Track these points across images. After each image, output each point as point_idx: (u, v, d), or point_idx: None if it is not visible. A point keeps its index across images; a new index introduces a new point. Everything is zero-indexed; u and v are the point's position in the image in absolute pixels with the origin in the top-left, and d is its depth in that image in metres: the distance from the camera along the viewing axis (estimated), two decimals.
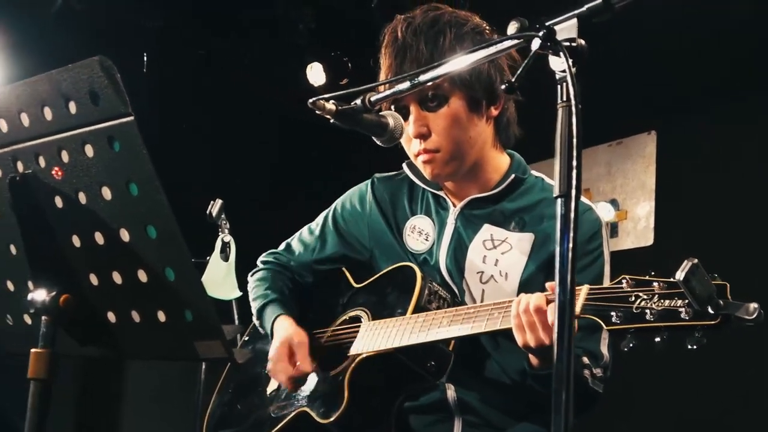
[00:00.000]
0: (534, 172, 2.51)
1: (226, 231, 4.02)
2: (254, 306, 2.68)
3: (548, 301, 1.98)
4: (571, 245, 1.44)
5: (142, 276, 1.65)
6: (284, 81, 6.05)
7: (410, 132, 2.33)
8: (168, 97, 5.85)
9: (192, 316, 1.62)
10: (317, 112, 1.99)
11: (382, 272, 2.51)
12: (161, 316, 1.67)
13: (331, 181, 6.65)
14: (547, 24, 1.52)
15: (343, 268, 2.66)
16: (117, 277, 1.69)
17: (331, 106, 1.99)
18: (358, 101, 2.02)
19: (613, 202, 5.27)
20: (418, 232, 2.50)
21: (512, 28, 1.57)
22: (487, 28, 2.42)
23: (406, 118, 2.32)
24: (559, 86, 1.49)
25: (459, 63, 1.79)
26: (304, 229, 2.76)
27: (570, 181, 1.44)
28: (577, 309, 1.91)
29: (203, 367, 4.23)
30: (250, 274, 2.80)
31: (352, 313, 2.51)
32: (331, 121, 2.01)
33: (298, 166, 6.69)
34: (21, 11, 5.67)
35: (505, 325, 2.05)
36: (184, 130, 6.05)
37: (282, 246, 2.80)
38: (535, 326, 1.98)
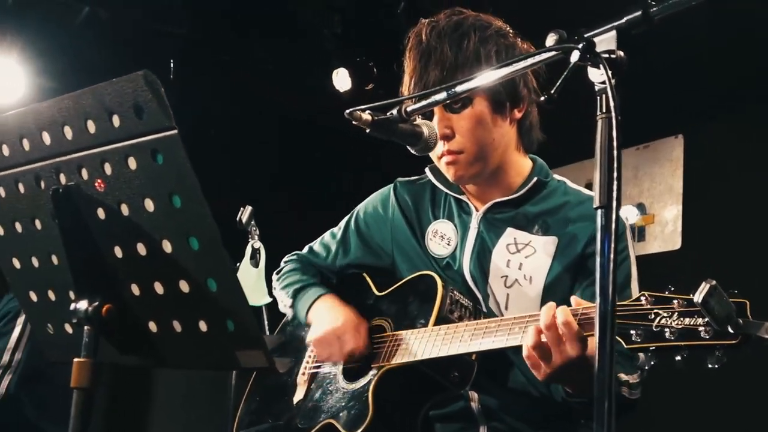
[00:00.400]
0: (556, 176, 2.52)
1: (256, 237, 4.04)
2: (286, 293, 2.68)
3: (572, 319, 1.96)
4: (612, 256, 1.43)
5: (184, 286, 1.66)
6: (310, 87, 6.08)
7: None
8: (194, 104, 5.89)
9: (234, 326, 1.64)
10: (353, 122, 2.00)
11: (403, 281, 2.52)
12: (203, 326, 1.68)
13: (353, 185, 6.70)
14: (586, 36, 1.53)
15: (364, 274, 2.68)
16: (159, 288, 1.71)
17: (367, 116, 2.00)
18: (394, 111, 2.03)
19: (640, 206, 5.27)
20: (440, 237, 2.51)
21: (551, 40, 1.58)
22: (511, 31, 2.44)
23: (429, 119, 2.33)
24: (598, 98, 1.50)
25: (497, 73, 1.80)
26: (327, 234, 2.78)
27: (610, 192, 1.45)
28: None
29: (234, 372, 4.25)
30: (275, 272, 2.82)
31: (374, 323, 2.52)
32: (367, 131, 2.03)
33: (320, 170, 6.71)
34: (48, 21, 5.73)
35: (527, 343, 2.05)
36: (211, 136, 6.09)
37: (305, 249, 2.82)
38: (561, 342, 1.95)
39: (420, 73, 2.36)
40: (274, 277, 2.80)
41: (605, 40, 1.53)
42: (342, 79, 5.88)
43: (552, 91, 1.55)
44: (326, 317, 2.50)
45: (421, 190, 2.61)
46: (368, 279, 2.66)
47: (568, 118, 2.98)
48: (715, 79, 4.84)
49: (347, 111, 1.98)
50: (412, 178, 2.66)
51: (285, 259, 2.84)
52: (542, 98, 1.56)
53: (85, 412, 1.74)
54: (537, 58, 1.67)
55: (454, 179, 2.43)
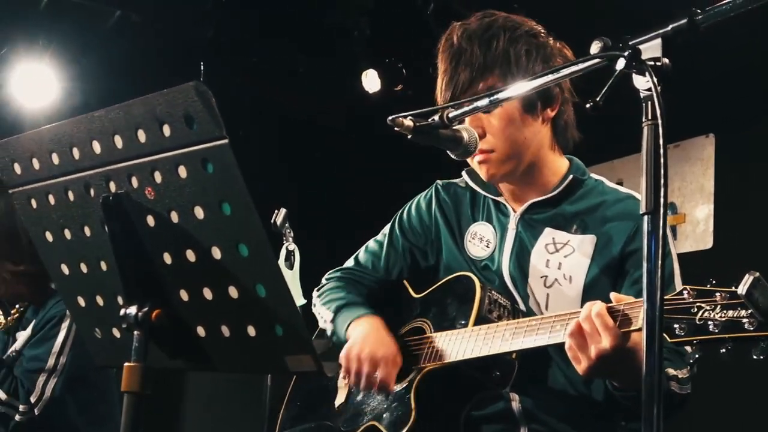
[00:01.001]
0: (593, 175, 2.53)
1: (291, 239, 4.07)
2: (327, 308, 2.67)
3: (611, 312, 1.98)
4: (660, 262, 1.45)
5: (233, 292, 1.69)
6: (339, 88, 6.11)
7: None
8: (223, 106, 5.93)
9: (282, 331, 1.66)
10: (395, 128, 2.03)
11: (440, 282, 2.54)
12: (251, 331, 1.71)
13: (383, 188, 6.72)
14: (631, 43, 1.54)
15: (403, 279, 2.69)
16: (208, 293, 1.73)
17: (409, 122, 2.03)
18: (436, 117, 2.06)
19: (671, 206, 5.26)
20: (479, 239, 2.52)
21: (595, 47, 1.60)
22: (542, 31, 2.46)
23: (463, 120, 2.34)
24: (643, 104, 1.52)
25: (541, 79, 1.82)
26: (370, 242, 2.79)
27: (657, 198, 1.47)
28: (640, 322, 1.93)
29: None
30: (316, 289, 2.81)
31: (413, 325, 2.53)
32: (409, 137, 2.05)
33: (349, 172, 6.74)
34: (79, 25, 5.79)
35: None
36: (240, 137, 6.12)
37: (350, 261, 2.81)
38: (596, 334, 1.97)
39: (450, 74, 2.39)
40: (315, 293, 2.80)
41: (650, 48, 1.54)
42: (371, 81, 5.91)
43: (597, 99, 1.56)
44: (366, 339, 2.46)
45: (461, 192, 2.63)
46: (405, 282, 2.67)
47: (598, 119, 2.99)
48: (745, 79, 4.82)
49: (390, 118, 2.00)
50: (453, 180, 2.68)
51: (327, 276, 2.82)
52: (588, 105, 1.58)
53: (136, 416, 1.77)
54: (581, 66, 1.69)
55: (486, 178, 2.44)
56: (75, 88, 5.97)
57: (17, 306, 3.36)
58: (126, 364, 1.77)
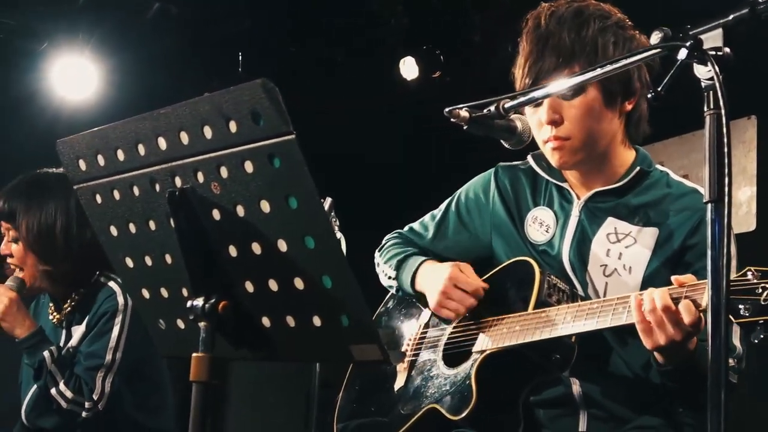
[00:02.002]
0: (659, 167, 2.53)
1: (336, 228, 4.10)
2: (389, 265, 2.72)
3: (675, 299, 2.01)
4: (725, 251, 1.47)
5: (299, 284, 1.72)
6: (377, 76, 6.13)
7: (542, 118, 2.37)
8: None
9: (348, 321, 1.69)
10: (452, 120, 2.05)
11: (498, 267, 2.56)
12: (317, 321, 1.74)
13: (422, 174, 6.74)
14: (692, 33, 1.55)
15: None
16: (273, 285, 1.77)
17: (465, 113, 2.05)
18: (492, 108, 2.08)
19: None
20: (540, 223, 2.54)
21: (655, 37, 1.61)
22: (630, 23, 2.44)
23: (539, 104, 2.36)
24: (705, 94, 1.53)
25: (598, 71, 1.83)
26: (427, 215, 2.81)
27: (722, 188, 1.48)
28: (703, 302, 1.96)
29: None
30: (377, 249, 2.86)
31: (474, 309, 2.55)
32: (464, 128, 2.07)
33: (391, 161, 6.76)
34: (119, 18, 5.85)
35: (630, 320, 2.09)
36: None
37: (405, 228, 2.86)
38: (664, 325, 2.02)
39: (536, 57, 2.37)
40: (377, 254, 2.84)
41: (711, 38, 1.55)
42: (409, 68, 5.93)
43: (659, 89, 1.58)
44: (433, 277, 2.54)
45: (522, 175, 2.64)
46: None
47: None
48: None
49: (446, 109, 2.03)
50: (514, 163, 2.68)
51: (386, 237, 2.88)
52: (649, 95, 1.59)
53: (205, 405, 1.81)
54: (641, 56, 1.70)
55: (557, 165, 2.45)
56: (114, 80, 6.04)
57: (69, 300, 3.41)
58: (194, 354, 1.81)
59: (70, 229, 3.24)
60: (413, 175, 6.72)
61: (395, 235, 2.86)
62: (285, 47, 6.24)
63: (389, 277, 2.74)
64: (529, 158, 2.62)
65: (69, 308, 3.40)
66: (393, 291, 2.78)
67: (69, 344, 3.32)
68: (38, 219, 3.26)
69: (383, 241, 2.88)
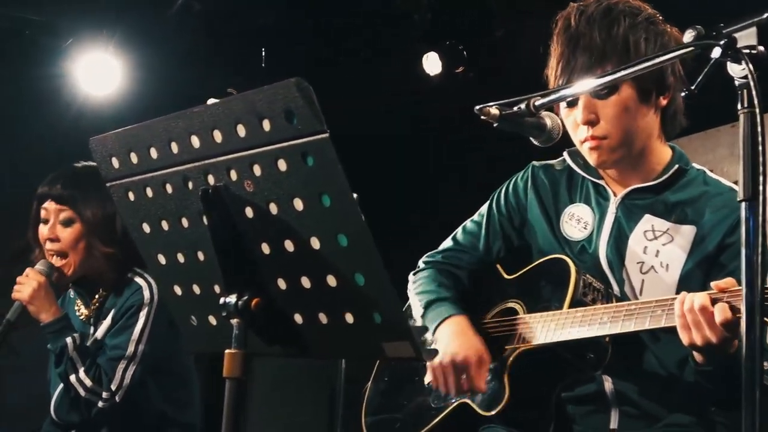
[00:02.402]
0: (695, 165, 2.53)
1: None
2: (419, 300, 2.71)
3: (713, 301, 2.01)
4: (760, 249, 1.47)
5: (332, 281, 1.73)
6: (400, 72, 6.14)
7: (578, 118, 2.38)
8: None
9: (381, 319, 1.69)
10: (482, 117, 2.06)
11: (533, 264, 2.57)
12: (349, 318, 1.75)
13: (447, 171, 6.74)
14: (726, 31, 1.55)
15: None
16: (306, 282, 1.77)
17: (495, 111, 2.06)
18: (522, 105, 2.08)
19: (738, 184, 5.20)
20: (577, 220, 2.54)
21: (689, 36, 1.61)
22: (660, 17, 2.44)
23: (574, 104, 2.38)
24: (739, 93, 1.53)
25: (629, 69, 1.84)
26: (468, 222, 2.81)
27: (756, 186, 1.48)
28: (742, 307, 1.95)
29: None
30: (412, 273, 2.85)
31: (506, 306, 2.57)
32: (495, 125, 2.08)
33: (415, 157, 6.76)
34: (142, 14, 5.88)
35: (669, 323, 2.10)
36: None
37: (448, 242, 2.84)
38: (700, 325, 2.02)
39: (567, 58, 2.38)
40: (411, 278, 2.83)
41: (745, 36, 1.55)
42: (432, 63, 5.93)
43: (693, 87, 1.58)
44: (452, 344, 2.50)
45: (558, 173, 2.65)
46: (497, 264, 2.70)
47: None
48: None
49: (477, 107, 2.03)
50: (549, 161, 2.69)
51: (423, 259, 2.85)
52: (683, 93, 1.59)
53: (238, 401, 1.82)
54: (674, 54, 1.70)
55: (596, 164, 2.46)
56: (138, 76, 6.08)
57: (97, 296, 3.44)
58: (227, 351, 1.82)
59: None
60: (436, 170, 6.72)
61: (432, 260, 2.82)
62: (308, 42, 6.26)
63: (417, 313, 2.72)
64: (565, 155, 2.62)
65: (97, 303, 3.43)
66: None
67: (94, 336, 3.36)
68: (101, 204, 3.31)
69: (419, 264, 2.85)
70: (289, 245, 1.76)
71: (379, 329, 1.71)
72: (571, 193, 2.60)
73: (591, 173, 2.56)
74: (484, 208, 2.79)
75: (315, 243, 1.72)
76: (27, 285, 3.25)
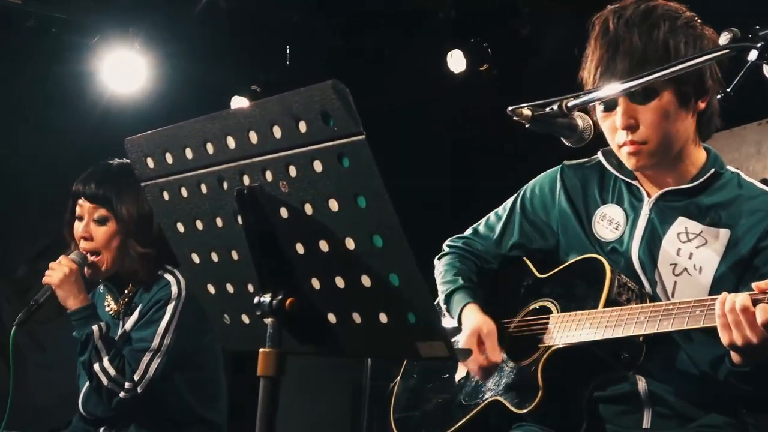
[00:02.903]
0: (730, 168, 2.52)
1: None
2: (442, 290, 2.76)
3: (754, 301, 2.01)
4: None
5: (366, 281, 1.74)
6: (425, 69, 6.15)
7: (618, 123, 2.38)
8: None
9: (415, 319, 1.70)
10: (514, 118, 2.07)
11: (567, 263, 2.57)
12: (383, 318, 1.76)
13: (473, 168, 6.74)
14: (762, 34, 1.55)
15: (524, 257, 2.73)
16: (340, 282, 1.79)
17: (527, 112, 2.07)
18: (555, 107, 2.09)
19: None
20: (608, 221, 2.54)
21: (724, 38, 1.62)
22: (698, 20, 2.43)
23: (612, 108, 2.38)
24: None
25: (664, 72, 1.84)
26: (491, 214, 2.83)
27: None
28: None
29: None
30: (436, 257, 2.88)
31: (539, 304, 2.57)
32: (527, 126, 2.09)
33: (442, 156, 6.77)
34: (168, 11, 5.93)
35: (708, 324, 2.10)
36: None
37: (469, 231, 2.87)
38: (741, 325, 2.02)
39: (607, 63, 2.37)
40: (436, 262, 2.86)
41: None
42: (456, 61, 5.95)
43: (728, 90, 1.58)
44: (463, 331, 2.59)
45: (589, 173, 2.65)
46: (528, 262, 2.71)
47: None
48: None
49: (509, 108, 2.04)
50: (580, 161, 2.69)
51: (447, 243, 2.89)
52: (719, 96, 1.59)
53: (272, 399, 1.83)
54: (709, 56, 1.70)
55: (634, 168, 2.46)
56: (163, 72, 6.13)
57: (126, 292, 3.47)
58: (261, 349, 1.84)
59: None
60: (460, 168, 6.73)
61: (455, 245, 2.86)
62: (331, 40, 6.28)
63: (440, 300, 2.78)
64: (600, 155, 2.62)
65: (126, 299, 3.46)
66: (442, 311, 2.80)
67: (121, 330, 3.39)
68: (137, 203, 3.34)
69: (443, 248, 2.89)
70: (323, 245, 1.78)
71: (414, 329, 1.72)
72: (602, 194, 2.60)
73: (625, 173, 2.56)
74: (509, 202, 2.80)
75: (350, 243, 1.73)
76: (58, 270, 3.29)
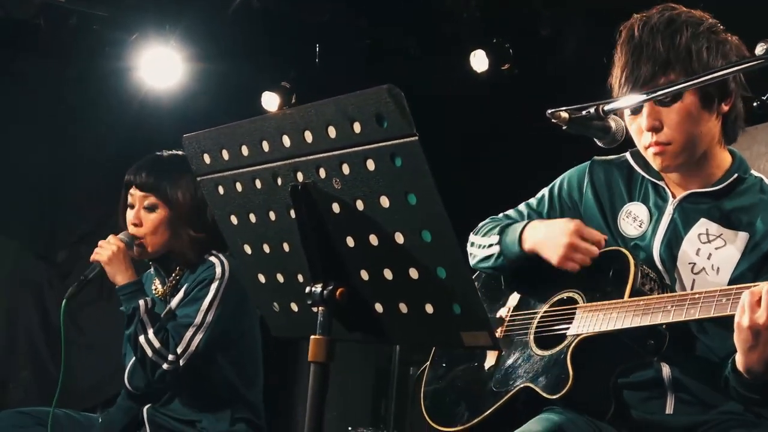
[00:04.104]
0: (754, 172, 2.61)
1: None
2: (489, 236, 2.81)
3: None
4: None
5: (413, 273, 1.83)
6: (448, 68, 6.26)
7: (643, 125, 2.47)
8: (338, 87, 6.11)
9: (460, 310, 1.80)
10: (552, 120, 2.17)
11: None
12: (429, 309, 1.85)
13: (493, 168, 6.80)
14: None
15: None
16: (388, 274, 1.88)
17: (565, 114, 2.17)
18: (591, 110, 2.19)
19: None
20: (633, 218, 2.63)
21: (760, 48, 1.69)
22: (721, 27, 2.51)
23: (638, 111, 2.47)
24: None
25: (695, 80, 1.93)
26: (522, 204, 2.91)
27: None
28: None
29: None
30: (472, 232, 2.94)
31: (565, 295, 2.65)
32: (564, 128, 2.19)
33: (462, 149, 6.84)
34: (203, 10, 6.05)
35: (734, 311, 2.17)
36: None
37: (500, 215, 2.95)
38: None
39: (631, 68, 2.45)
40: (471, 235, 2.92)
41: None
42: (479, 60, 6.05)
43: (765, 98, 1.66)
44: (551, 232, 2.64)
45: (617, 170, 2.73)
46: None
47: None
48: None
49: (548, 111, 2.14)
50: (609, 157, 2.76)
51: (482, 223, 2.96)
52: (755, 104, 1.67)
53: (323, 385, 1.92)
54: (743, 66, 1.78)
55: (660, 168, 2.55)
56: (198, 69, 6.26)
57: (173, 275, 3.60)
58: (312, 336, 1.93)
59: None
60: (482, 167, 6.80)
61: (491, 218, 2.95)
62: (360, 39, 6.39)
63: (489, 245, 2.80)
64: (628, 155, 2.71)
65: (174, 281, 3.59)
66: (490, 263, 2.81)
67: (168, 308, 3.52)
68: (191, 190, 3.48)
69: (479, 226, 2.96)
70: (373, 239, 1.87)
71: (458, 319, 1.82)
72: (629, 191, 2.68)
73: (652, 174, 2.64)
74: (541, 193, 2.89)
75: (399, 238, 1.83)
76: (107, 248, 3.44)
